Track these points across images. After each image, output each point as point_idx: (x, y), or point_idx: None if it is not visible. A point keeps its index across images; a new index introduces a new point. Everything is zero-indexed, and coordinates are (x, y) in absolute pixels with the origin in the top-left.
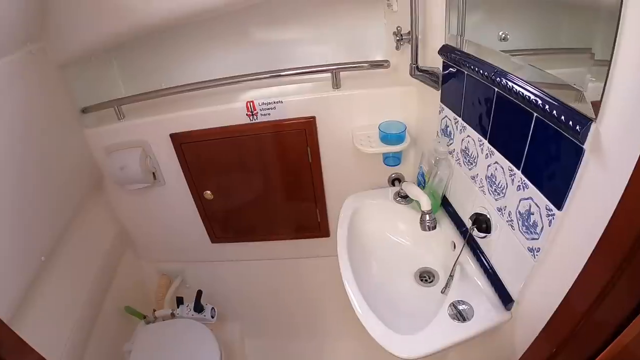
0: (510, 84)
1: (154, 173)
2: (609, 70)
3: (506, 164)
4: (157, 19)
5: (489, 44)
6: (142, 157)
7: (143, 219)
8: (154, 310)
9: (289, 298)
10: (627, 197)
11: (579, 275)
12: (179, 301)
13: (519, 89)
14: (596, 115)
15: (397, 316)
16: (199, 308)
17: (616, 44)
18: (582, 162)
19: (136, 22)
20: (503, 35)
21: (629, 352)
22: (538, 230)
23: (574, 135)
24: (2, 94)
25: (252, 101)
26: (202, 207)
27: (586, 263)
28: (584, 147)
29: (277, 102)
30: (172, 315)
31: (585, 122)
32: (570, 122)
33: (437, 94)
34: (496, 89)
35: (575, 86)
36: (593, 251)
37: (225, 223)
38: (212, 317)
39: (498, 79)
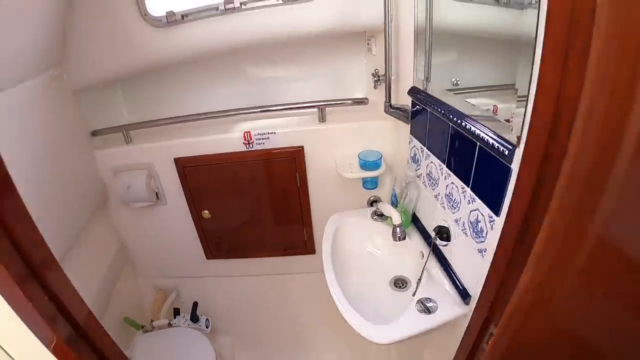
0: (459, 120)
1: (157, 193)
2: (526, 104)
3: (459, 183)
4: (167, 58)
5: (446, 86)
6: (147, 178)
7: (143, 236)
8: (152, 321)
9: (278, 312)
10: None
11: (493, 258)
12: (176, 312)
13: (465, 124)
14: (518, 142)
15: (374, 314)
16: (194, 318)
17: (531, 81)
18: (510, 178)
19: (148, 59)
20: (455, 81)
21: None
22: (484, 234)
23: (503, 158)
24: (25, 113)
25: (249, 131)
26: (199, 226)
27: (496, 248)
28: (511, 167)
29: (270, 133)
30: (169, 325)
31: (511, 147)
32: (501, 148)
33: (407, 127)
34: (450, 124)
35: (503, 121)
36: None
37: (220, 240)
38: (207, 327)
39: (451, 116)
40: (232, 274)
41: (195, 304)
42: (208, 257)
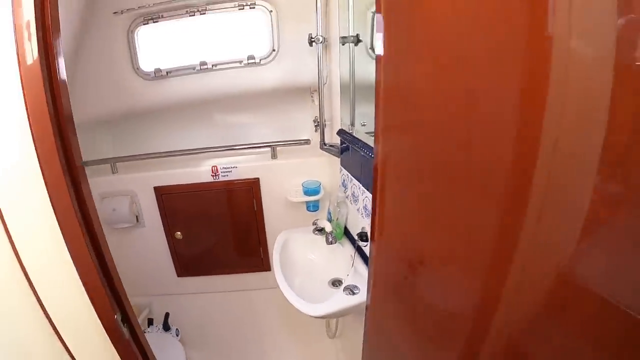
0: (367, 150)
1: (137, 216)
2: None
3: (370, 196)
4: (153, 104)
5: (360, 128)
6: (130, 202)
7: (122, 256)
8: None
9: (240, 325)
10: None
11: None
12: (150, 322)
13: (368, 151)
14: None
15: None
16: (166, 327)
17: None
18: None
19: (138, 105)
20: (363, 123)
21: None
22: None
23: None
24: None
25: (216, 166)
26: (172, 246)
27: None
28: None
29: (233, 167)
30: (143, 332)
31: None
32: None
33: (338, 160)
34: (362, 154)
35: None
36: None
37: (190, 259)
38: (177, 335)
39: (362, 148)
40: (200, 290)
41: (167, 314)
42: (179, 275)
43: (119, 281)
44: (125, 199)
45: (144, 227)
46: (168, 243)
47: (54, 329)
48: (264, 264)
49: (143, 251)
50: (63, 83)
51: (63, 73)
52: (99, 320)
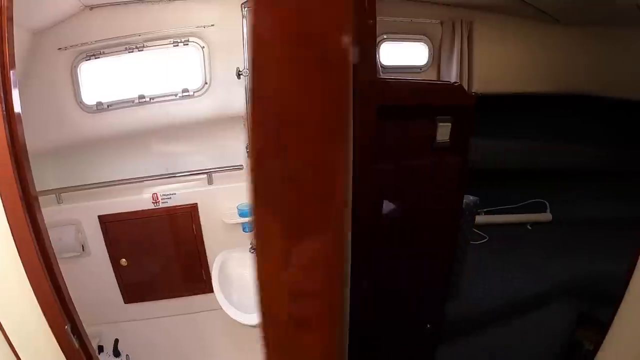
0: None
1: (82, 245)
2: None
3: None
4: (95, 136)
5: None
6: (75, 232)
7: (69, 285)
8: None
9: (190, 347)
10: None
11: None
12: (100, 349)
13: None
14: None
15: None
16: (116, 353)
17: None
18: None
19: (81, 136)
20: None
21: None
22: None
23: None
24: None
25: (156, 193)
26: (118, 273)
27: None
28: None
29: (172, 194)
30: None
31: None
32: None
33: None
34: None
35: None
36: None
37: (136, 285)
38: None
39: None
40: (147, 316)
41: (116, 341)
42: (126, 302)
43: (69, 296)
44: (71, 229)
45: (89, 256)
46: (114, 270)
47: (6, 339)
48: (207, 286)
49: (90, 280)
50: (18, 114)
51: (18, 105)
52: (50, 330)
